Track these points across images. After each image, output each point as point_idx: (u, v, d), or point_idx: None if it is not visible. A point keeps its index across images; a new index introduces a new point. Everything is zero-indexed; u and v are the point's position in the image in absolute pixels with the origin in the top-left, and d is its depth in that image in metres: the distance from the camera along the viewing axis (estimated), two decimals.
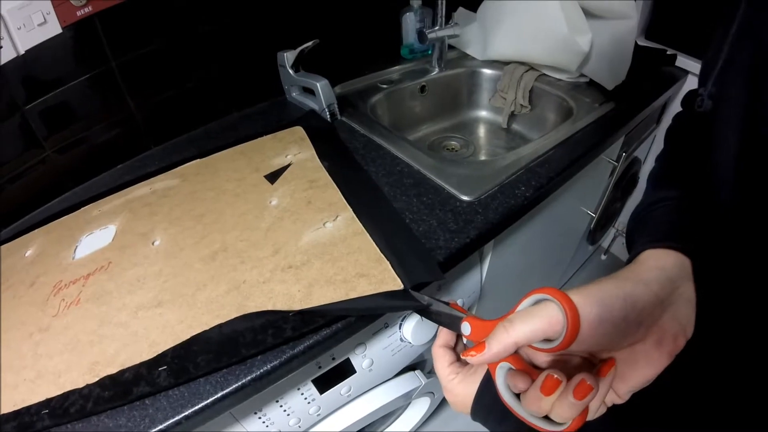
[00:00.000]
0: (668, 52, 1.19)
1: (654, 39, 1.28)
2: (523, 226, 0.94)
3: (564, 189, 0.91)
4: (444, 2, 1.06)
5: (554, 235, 1.22)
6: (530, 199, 0.77)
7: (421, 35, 1.10)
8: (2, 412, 0.54)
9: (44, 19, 0.74)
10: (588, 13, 1.00)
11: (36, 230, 0.82)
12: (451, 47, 1.26)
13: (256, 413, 0.68)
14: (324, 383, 0.73)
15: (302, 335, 0.57)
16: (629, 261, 0.39)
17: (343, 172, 0.82)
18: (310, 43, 0.99)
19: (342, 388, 0.75)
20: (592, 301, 0.31)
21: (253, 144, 0.94)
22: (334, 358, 0.71)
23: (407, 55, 1.26)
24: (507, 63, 1.18)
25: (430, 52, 1.22)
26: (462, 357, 0.41)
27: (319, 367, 0.70)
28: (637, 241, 0.41)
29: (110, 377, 0.55)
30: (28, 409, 0.54)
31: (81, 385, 0.55)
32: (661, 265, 0.36)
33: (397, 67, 1.22)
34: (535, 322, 0.31)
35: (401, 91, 1.18)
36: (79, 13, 0.78)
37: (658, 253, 0.37)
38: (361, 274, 0.62)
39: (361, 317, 0.61)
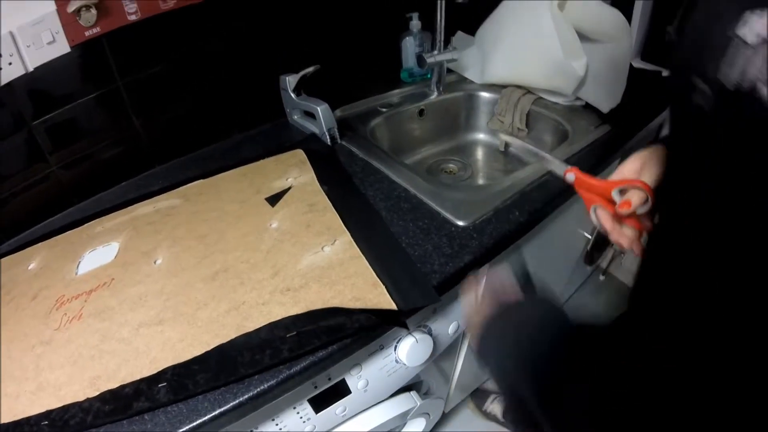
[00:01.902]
0: (663, 74, 1.20)
1: (649, 61, 1.29)
2: (519, 248, 0.95)
3: (560, 211, 0.92)
4: (443, 27, 1.09)
5: (550, 256, 1.23)
6: (524, 224, 0.79)
7: (420, 59, 1.12)
8: (2, 422, 0.55)
9: (53, 38, 0.76)
10: (583, 37, 1.02)
11: (39, 244, 0.83)
12: (449, 71, 1.28)
13: None
14: (320, 403, 0.73)
15: (299, 356, 0.58)
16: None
17: (342, 196, 0.84)
18: (311, 69, 1.01)
19: (337, 408, 0.76)
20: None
21: (254, 166, 0.96)
22: (330, 379, 0.72)
23: (407, 78, 1.29)
24: (504, 86, 1.21)
25: (429, 75, 1.24)
26: (617, 209, 0.58)
27: (315, 387, 0.71)
28: None
29: (111, 391, 0.56)
30: (27, 420, 0.55)
31: (81, 398, 0.56)
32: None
33: (396, 91, 1.24)
34: (641, 196, 0.56)
35: (400, 115, 1.19)
36: (87, 33, 0.79)
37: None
38: (357, 298, 0.63)
39: (357, 334, 0.61)
